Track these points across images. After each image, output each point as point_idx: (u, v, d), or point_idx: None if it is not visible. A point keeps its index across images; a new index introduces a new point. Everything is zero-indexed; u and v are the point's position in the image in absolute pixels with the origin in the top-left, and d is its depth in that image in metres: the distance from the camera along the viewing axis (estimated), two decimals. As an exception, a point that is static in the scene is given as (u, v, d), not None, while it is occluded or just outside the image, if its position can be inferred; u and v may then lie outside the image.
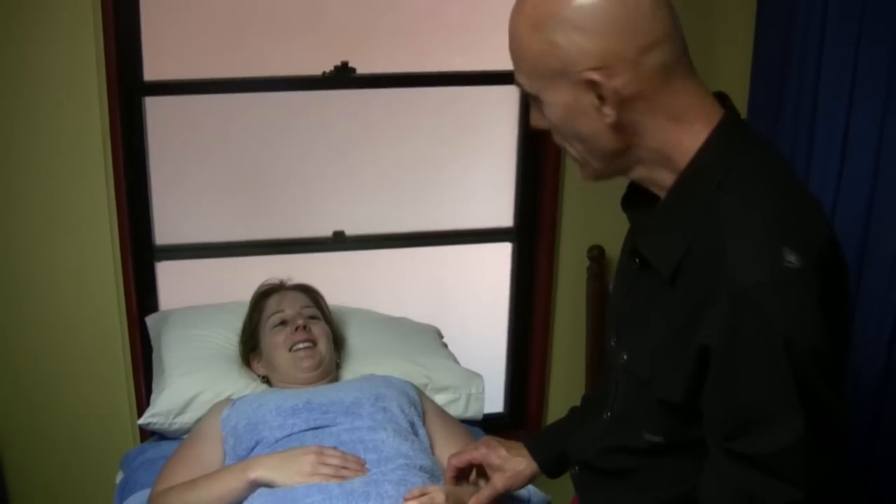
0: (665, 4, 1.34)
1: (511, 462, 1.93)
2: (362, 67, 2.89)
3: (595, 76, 1.30)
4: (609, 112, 1.33)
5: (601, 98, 1.33)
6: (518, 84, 1.42)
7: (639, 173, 1.44)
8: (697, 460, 1.39)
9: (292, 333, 2.43)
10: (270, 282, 2.67)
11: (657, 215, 1.42)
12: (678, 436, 1.43)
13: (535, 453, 1.93)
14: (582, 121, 1.37)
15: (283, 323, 2.47)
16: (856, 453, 2.59)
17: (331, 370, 2.49)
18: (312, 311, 2.54)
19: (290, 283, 2.67)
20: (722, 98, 1.43)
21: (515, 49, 1.39)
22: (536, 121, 1.46)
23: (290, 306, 2.51)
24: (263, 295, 2.61)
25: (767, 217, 1.29)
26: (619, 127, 1.35)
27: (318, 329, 2.49)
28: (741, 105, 2.98)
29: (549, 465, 1.91)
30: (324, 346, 2.47)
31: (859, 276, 2.54)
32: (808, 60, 2.63)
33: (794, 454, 1.27)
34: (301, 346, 2.42)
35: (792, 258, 1.24)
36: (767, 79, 2.87)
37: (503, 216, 3.21)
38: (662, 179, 1.41)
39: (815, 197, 1.40)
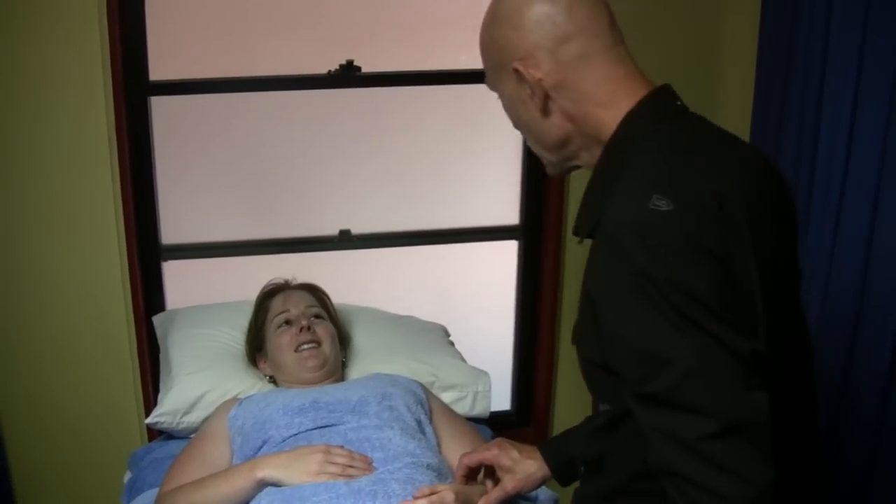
0: (586, 3, 1.47)
1: (522, 464, 1.93)
2: (367, 66, 2.89)
3: (519, 66, 1.46)
4: (537, 101, 1.48)
5: (531, 88, 1.47)
6: (487, 84, 1.59)
7: (585, 160, 1.54)
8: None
9: (297, 334, 2.44)
10: (275, 281, 2.67)
11: (586, 189, 1.51)
12: (621, 400, 1.42)
13: (547, 458, 1.92)
14: (523, 110, 1.52)
15: (288, 322, 2.48)
16: (860, 452, 2.59)
17: (336, 370, 2.49)
18: (317, 310, 2.54)
19: (294, 282, 2.67)
20: (662, 86, 1.50)
21: (480, 50, 1.57)
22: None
23: (294, 306, 2.52)
24: (268, 295, 2.61)
25: (650, 171, 1.37)
26: (551, 114, 1.49)
27: (323, 329, 2.49)
28: (746, 104, 2.98)
29: (561, 471, 1.89)
30: (328, 345, 2.46)
31: (864, 274, 2.54)
32: (812, 56, 2.63)
33: (692, 384, 1.27)
34: (305, 346, 2.42)
35: (661, 203, 1.29)
36: (771, 78, 2.86)
37: (509, 214, 3.22)
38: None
39: (728, 155, 1.44)
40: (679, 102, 1.50)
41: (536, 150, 1.58)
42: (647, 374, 1.31)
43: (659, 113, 1.46)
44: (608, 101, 1.45)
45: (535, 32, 1.44)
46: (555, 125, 1.50)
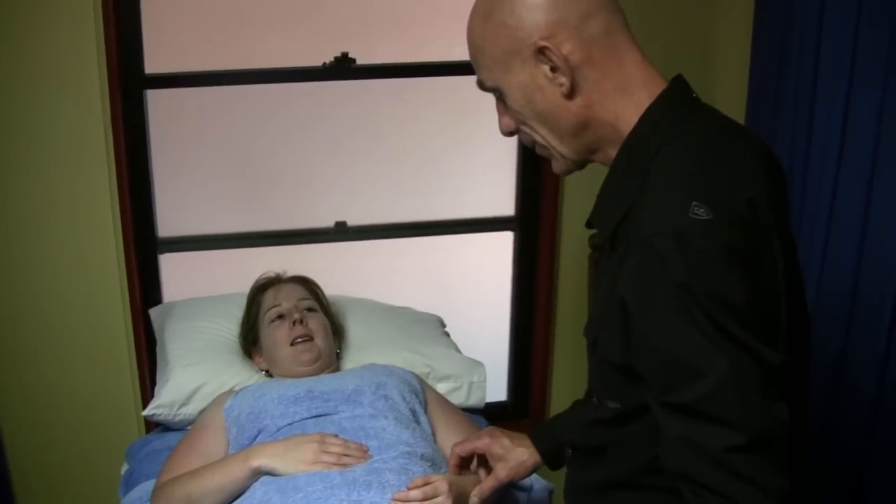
0: None
1: (514, 452, 1.93)
2: (362, 58, 2.89)
3: (547, 44, 1.39)
4: (563, 80, 1.41)
5: (553, 69, 1.41)
6: (481, 86, 1.51)
7: (599, 157, 1.50)
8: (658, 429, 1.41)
9: (290, 328, 2.44)
10: (267, 275, 2.67)
11: (604, 185, 1.48)
12: (633, 400, 1.43)
13: (537, 443, 1.93)
14: (540, 98, 1.44)
15: (281, 317, 2.48)
16: (855, 442, 2.60)
17: (331, 361, 2.50)
18: (310, 303, 2.55)
19: (286, 275, 2.67)
20: (677, 78, 1.48)
21: (473, 48, 1.49)
22: (505, 125, 1.54)
23: (286, 299, 2.52)
24: (260, 289, 2.62)
25: (686, 175, 1.35)
26: (573, 97, 1.42)
27: (316, 322, 2.49)
28: (740, 96, 2.99)
29: (551, 456, 1.91)
30: (321, 339, 2.47)
31: (858, 263, 2.55)
32: (806, 47, 2.63)
33: (723, 397, 1.27)
34: (299, 340, 2.43)
35: (700, 211, 1.28)
36: (766, 70, 2.87)
37: (504, 205, 3.22)
38: (614, 155, 1.47)
39: (754, 158, 1.43)
40: (693, 94, 1.48)
41: (549, 142, 1.50)
42: (677, 384, 1.31)
43: (679, 108, 1.43)
44: (627, 85, 1.42)
45: (558, 9, 1.39)
46: (572, 112, 1.43)
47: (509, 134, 1.55)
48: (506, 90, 1.48)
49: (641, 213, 1.34)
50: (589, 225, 1.54)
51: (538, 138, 1.52)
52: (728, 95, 3.01)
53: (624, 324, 1.37)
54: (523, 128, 1.52)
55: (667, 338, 1.31)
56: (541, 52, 1.40)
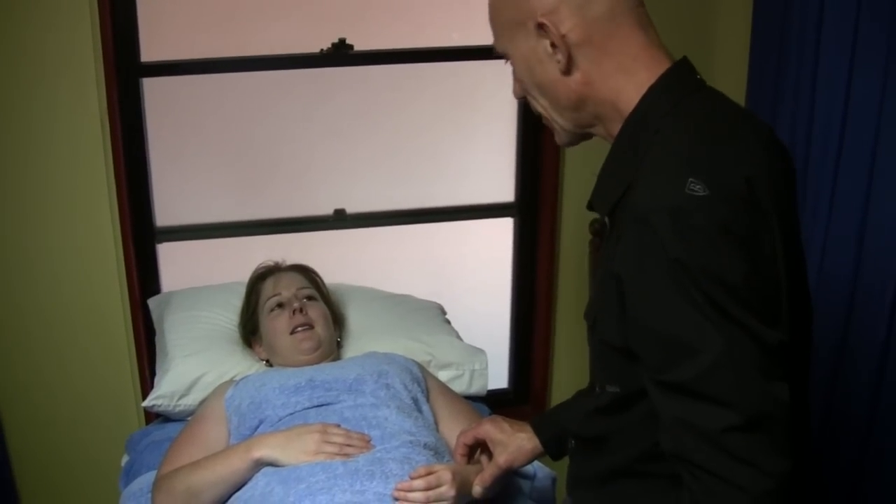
0: None
1: (514, 438, 1.94)
2: (360, 44, 2.88)
3: (545, 20, 1.40)
4: (560, 58, 1.42)
5: (553, 45, 1.42)
6: (495, 50, 1.53)
7: (599, 130, 1.51)
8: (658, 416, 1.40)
9: (290, 317, 2.43)
10: (266, 264, 2.66)
11: (605, 164, 1.49)
12: (632, 383, 1.42)
13: (539, 433, 1.93)
14: (540, 70, 1.46)
15: (280, 305, 2.47)
16: (855, 430, 2.60)
17: (331, 350, 2.49)
18: (309, 291, 2.53)
19: (285, 263, 2.66)
20: (681, 60, 1.48)
21: (489, 11, 1.51)
22: (516, 89, 1.56)
23: (286, 288, 2.50)
24: (259, 278, 2.60)
25: (682, 152, 1.35)
26: (571, 73, 1.44)
27: (316, 311, 2.48)
28: (741, 82, 2.97)
29: (552, 445, 1.91)
30: (321, 327, 2.46)
31: (860, 247, 2.54)
32: (807, 32, 2.62)
33: (719, 376, 1.26)
34: (299, 329, 2.42)
35: (697, 187, 1.27)
36: (765, 56, 2.85)
37: (504, 191, 3.21)
38: (616, 132, 1.48)
39: (757, 140, 1.44)
40: (698, 76, 1.48)
41: (549, 114, 1.52)
42: (672, 362, 1.30)
43: (681, 89, 1.43)
44: (629, 66, 1.42)
45: None
46: (571, 88, 1.45)
47: (520, 98, 1.57)
48: (511, 57, 1.51)
49: (638, 189, 1.34)
50: (590, 206, 1.54)
51: (539, 109, 1.54)
52: (728, 82, 2.98)
53: (620, 301, 1.36)
54: (528, 96, 1.54)
55: (662, 315, 1.30)
56: (540, 27, 1.41)
